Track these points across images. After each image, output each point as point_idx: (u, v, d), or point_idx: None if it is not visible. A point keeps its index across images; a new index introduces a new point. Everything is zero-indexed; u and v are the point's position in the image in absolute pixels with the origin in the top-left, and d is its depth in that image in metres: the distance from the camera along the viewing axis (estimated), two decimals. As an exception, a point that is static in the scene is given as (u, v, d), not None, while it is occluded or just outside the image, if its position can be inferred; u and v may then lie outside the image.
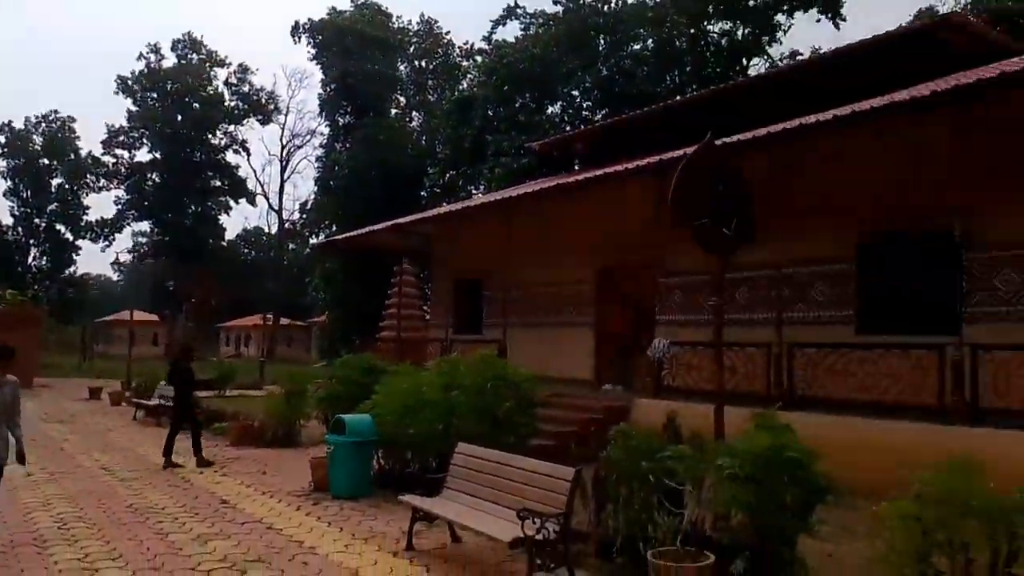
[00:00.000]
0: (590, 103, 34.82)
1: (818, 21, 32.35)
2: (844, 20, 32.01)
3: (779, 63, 32.59)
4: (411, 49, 49.35)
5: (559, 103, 35.24)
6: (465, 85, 41.76)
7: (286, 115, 69.64)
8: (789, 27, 33.48)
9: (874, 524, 4.72)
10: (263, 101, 63.05)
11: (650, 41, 34.24)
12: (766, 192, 9.72)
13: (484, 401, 8.13)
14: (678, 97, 24.94)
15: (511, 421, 8.20)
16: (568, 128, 32.01)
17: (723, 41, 34.14)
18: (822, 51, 29.63)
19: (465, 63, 47.23)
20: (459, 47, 49.20)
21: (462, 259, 17.49)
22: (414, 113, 49.01)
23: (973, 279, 9.41)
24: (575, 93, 34.79)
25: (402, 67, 48.93)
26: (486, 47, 40.09)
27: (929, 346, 8.75)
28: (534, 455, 7.22)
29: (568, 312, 15.87)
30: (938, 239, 9.02)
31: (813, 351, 9.96)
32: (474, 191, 34.70)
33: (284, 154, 62.71)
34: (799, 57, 32.11)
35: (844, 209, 10.89)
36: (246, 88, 62.82)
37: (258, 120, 63.68)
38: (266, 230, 70.41)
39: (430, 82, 49.44)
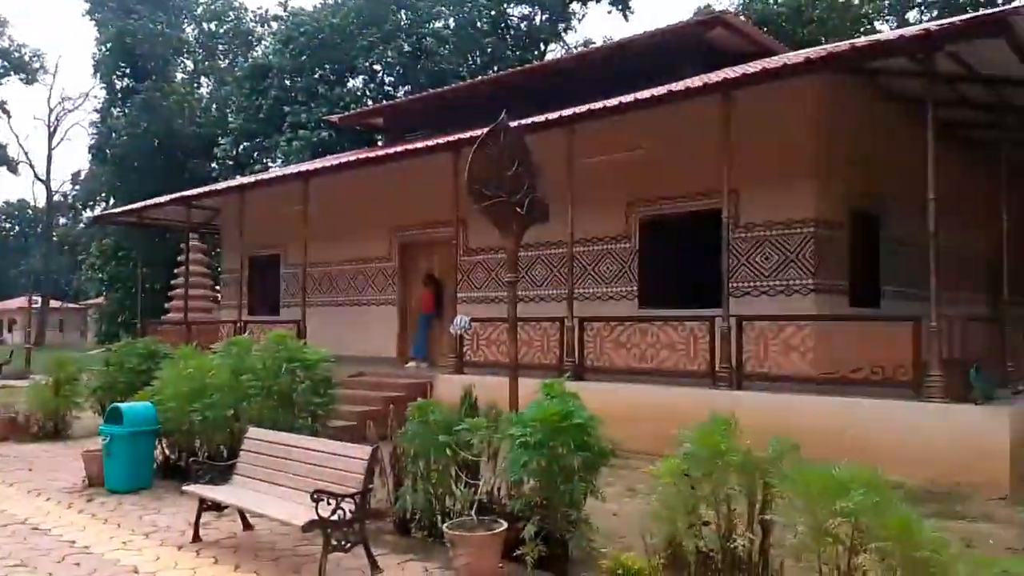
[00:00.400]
0: (392, 78, 34.38)
1: (609, 12, 34.12)
2: (632, 12, 33.97)
3: (574, 50, 33.93)
4: (199, 10, 45.97)
5: (360, 77, 34.46)
6: (260, 52, 39.64)
7: (55, 75, 62.69)
8: (584, 16, 35.02)
9: (653, 482, 5.09)
10: (26, 59, 56.27)
11: (452, 20, 34.36)
12: (558, 173, 10.15)
13: (278, 384, 7.83)
14: (480, 77, 25.24)
15: (307, 403, 7.97)
16: (370, 102, 31.43)
17: (523, 25, 34.99)
18: (612, 41, 31.21)
19: (260, 29, 44.79)
20: (253, 12, 46.69)
21: (257, 235, 16.71)
22: (203, 79, 45.82)
23: (739, 256, 10.41)
24: (377, 68, 34.17)
25: (189, 29, 45.49)
26: (282, 13, 38.31)
27: (701, 318, 9.56)
28: (334, 436, 7.12)
29: (371, 290, 15.70)
30: (709, 219, 9.83)
31: (601, 324, 10.56)
32: (270, 164, 33.19)
33: (52, 119, 56.51)
34: (592, 45, 33.60)
35: (628, 190, 11.64)
36: (5, 43, 55.77)
37: (20, 80, 56.78)
38: (32, 203, 63.21)
39: (221, 47, 46.36)
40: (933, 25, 8.08)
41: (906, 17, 32.09)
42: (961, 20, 7.54)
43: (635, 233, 11.75)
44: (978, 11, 9.90)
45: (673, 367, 9.75)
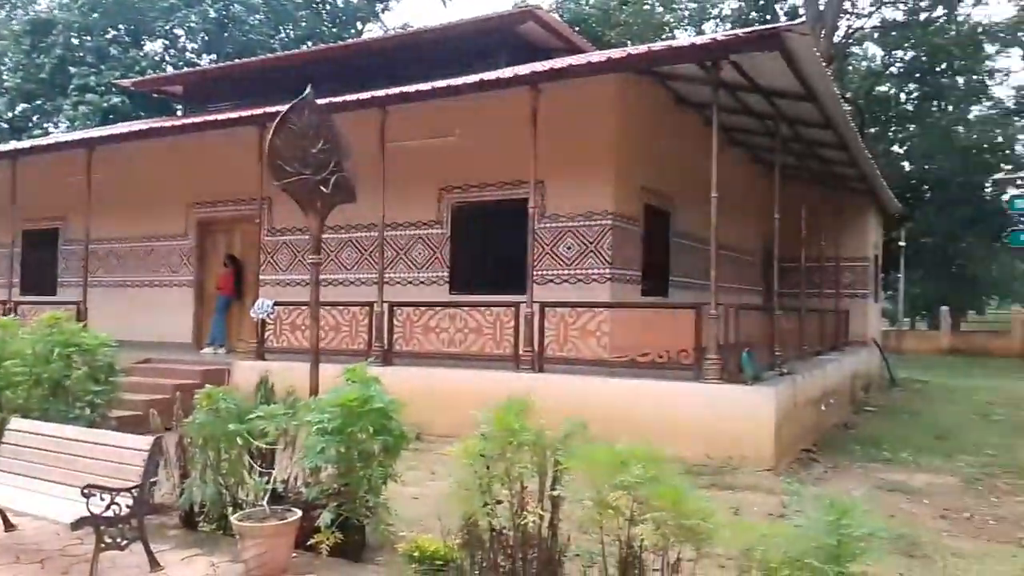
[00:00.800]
0: (196, 45, 32.24)
1: (429, -4, 33.93)
2: (452, -1, 34.02)
3: (391, 31, 33.48)
4: (-32, -48, 40.54)
5: (160, 41, 32.02)
6: (44, 5, 35.67)
7: None
8: (402, -2, 34.59)
9: (452, 464, 5.15)
10: None
11: (263, -11, 32.75)
12: (371, 154, 10.00)
13: (48, 370, 7.12)
14: (292, 51, 24.25)
15: (84, 392, 7.30)
16: (170, 69, 29.28)
17: (339, 2, 34.03)
18: (429, 26, 31.10)
19: (43, -21, 40.22)
20: (35, -41, 41.70)
21: (32, 207, 15.06)
22: (-28, 31, 40.51)
23: (544, 245, 10.76)
24: (178, 32, 31.89)
25: (-44, -27, 40.01)
26: (70, -36, 34.64)
27: (507, 304, 9.80)
28: (116, 428, 6.62)
29: (164, 270, 14.68)
30: (518, 208, 10.08)
31: (411, 309, 10.55)
32: (52, 129, 30.07)
33: None
34: (409, 28, 33.31)
35: (441, 176, 11.68)
36: None
37: None
38: None
39: (-5, -5, 41.19)
40: (719, 35, 8.74)
41: (703, 28, 34.56)
42: (743, 32, 8.22)
43: (447, 219, 11.81)
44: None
45: (480, 351, 9.93)
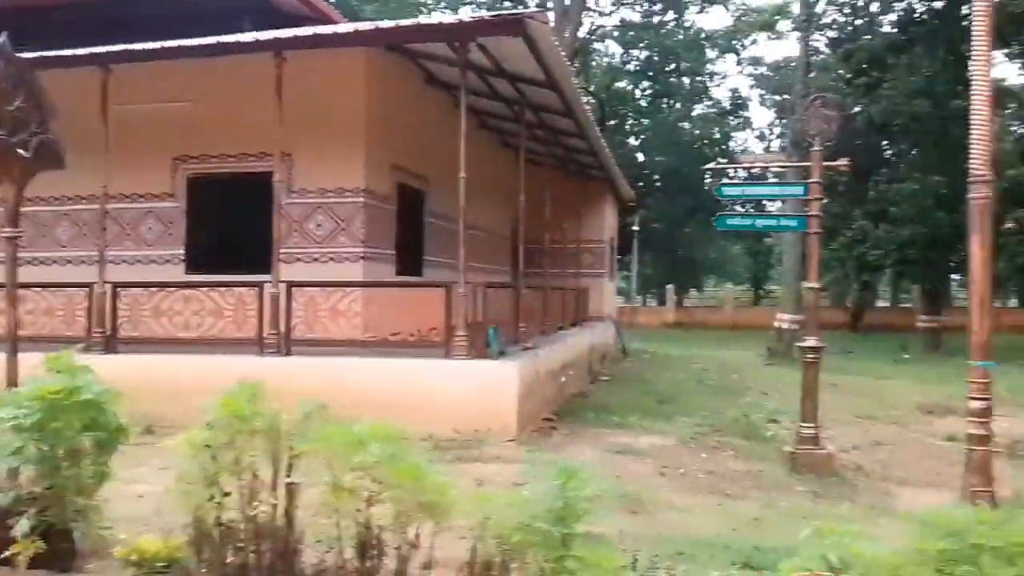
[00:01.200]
0: None
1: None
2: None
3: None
4: None
5: None
6: None
7: None
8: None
9: (178, 458, 4.75)
10: None
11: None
12: (91, 118, 8.99)
13: None
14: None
15: None
16: None
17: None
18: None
19: None
20: None
21: None
22: None
23: (291, 222, 10.30)
24: None
25: None
26: None
27: (251, 284, 9.26)
28: None
29: None
30: (263, 182, 9.55)
31: (139, 291, 9.64)
32: None
33: None
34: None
35: (175, 145, 10.77)
36: None
37: None
38: None
39: None
40: (466, 17, 8.87)
41: (459, 13, 35.11)
42: (489, 16, 8.42)
43: (183, 192, 10.91)
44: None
45: (220, 335, 9.31)
